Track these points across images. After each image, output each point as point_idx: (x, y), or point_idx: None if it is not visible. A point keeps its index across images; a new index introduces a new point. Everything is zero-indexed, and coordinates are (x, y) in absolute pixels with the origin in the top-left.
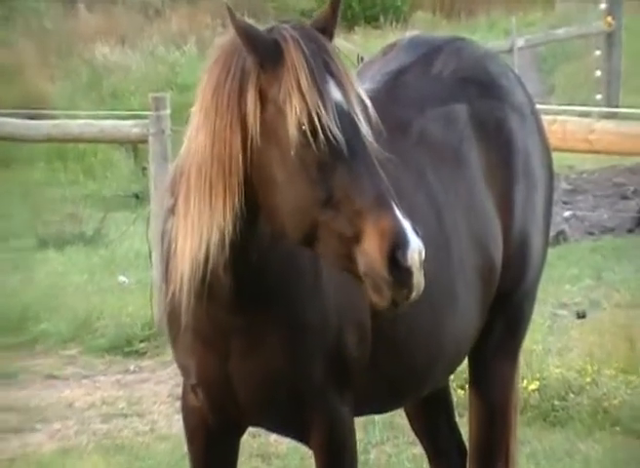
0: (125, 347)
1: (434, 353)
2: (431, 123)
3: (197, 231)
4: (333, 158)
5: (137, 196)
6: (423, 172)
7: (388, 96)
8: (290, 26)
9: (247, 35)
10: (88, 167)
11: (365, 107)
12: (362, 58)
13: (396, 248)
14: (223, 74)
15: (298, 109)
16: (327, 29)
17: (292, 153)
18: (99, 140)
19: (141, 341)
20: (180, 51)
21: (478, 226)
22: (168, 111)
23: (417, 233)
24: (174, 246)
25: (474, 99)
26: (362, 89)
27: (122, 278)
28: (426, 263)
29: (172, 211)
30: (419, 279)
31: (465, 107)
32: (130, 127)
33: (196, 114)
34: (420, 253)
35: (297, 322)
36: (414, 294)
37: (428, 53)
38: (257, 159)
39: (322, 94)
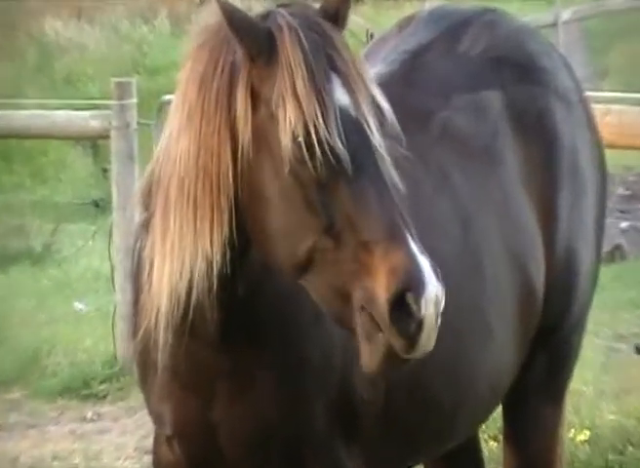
0: (81, 390)
1: (461, 396)
2: (457, 114)
3: (178, 258)
4: (334, 177)
5: (96, 204)
6: (448, 173)
7: (405, 80)
8: (288, 12)
9: (235, 21)
10: (36, 168)
11: (381, 113)
12: (372, 36)
13: (408, 289)
14: (211, 66)
15: (292, 118)
16: (337, 15)
17: (285, 169)
18: (49, 136)
19: (102, 382)
20: (149, 26)
21: (515, 241)
22: (134, 100)
23: (437, 275)
24: (147, 270)
25: (510, 85)
26: (378, 90)
27: (78, 304)
28: (452, 286)
29: (145, 227)
30: (430, 335)
31: (499, 94)
32: (87, 119)
33: (177, 110)
34: (437, 303)
35: (294, 361)
36: (417, 353)
37: (453, 27)
38: (248, 173)
39: (322, 98)
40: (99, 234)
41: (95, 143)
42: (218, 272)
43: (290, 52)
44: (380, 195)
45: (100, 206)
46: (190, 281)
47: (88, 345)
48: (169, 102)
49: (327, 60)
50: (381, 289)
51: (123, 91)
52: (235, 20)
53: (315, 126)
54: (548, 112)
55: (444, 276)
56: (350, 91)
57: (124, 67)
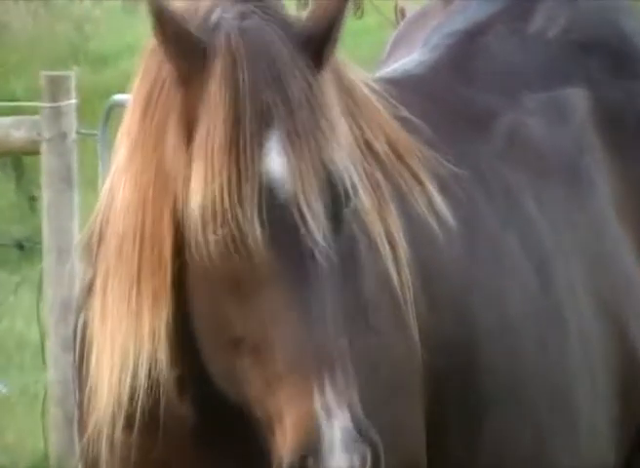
0: None
1: None
2: (529, 118)
3: (118, 347)
4: (248, 275)
5: (20, 246)
6: (517, 198)
7: (456, 71)
8: (245, 22)
9: (166, 29)
10: None
11: (335, 189)
12: (402, 11)
13: (309, 453)
14: (158, 85)
15: (201, 179)
16: (327, 31)
17: (191, 242)
18: None
19: None
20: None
21: (610, 292)
22: (73, 101)
23: (353, 440)
24: (94, 358)
25: (599, 79)
26: (343, 151)
27: None
28: (523, 358)
29: (88, 292)
30: None
31: (584, 92)
32: (8, 128)
33: (123, 138)
34: None
35: None
36: None
37: (521, 0)
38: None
39: (243, 163)
40: (23, 287)
41: (18, 161)
42: (167, 368)
43: (218, 89)
44: (300, 312)
45: (26, 248)
46: (134, 380)
47: (9, 441)
48: (120, 104)
49: (267, 108)
50: (283, 445)
51: (57, 88)
52: (166, 28)
53: (224, 199)
54: None
55: (511, 344)
56: (289, 157)
57: (59, 56)
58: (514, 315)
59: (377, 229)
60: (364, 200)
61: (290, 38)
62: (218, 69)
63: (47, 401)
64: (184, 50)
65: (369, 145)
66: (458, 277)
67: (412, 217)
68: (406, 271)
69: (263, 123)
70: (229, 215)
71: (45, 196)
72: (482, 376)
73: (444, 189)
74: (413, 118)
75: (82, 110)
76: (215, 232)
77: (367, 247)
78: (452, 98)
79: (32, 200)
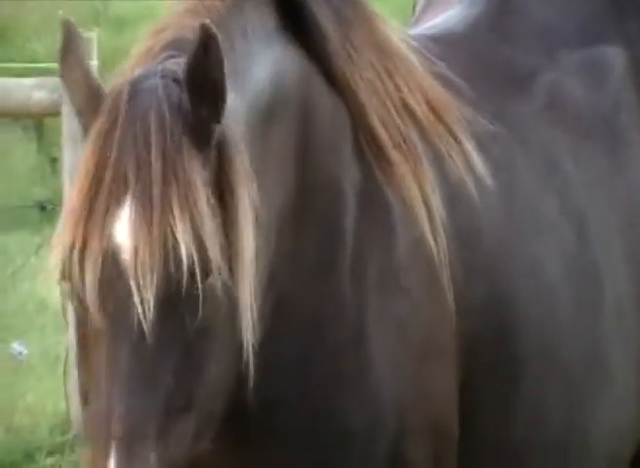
0: (23, 465)
1: (572, 462)
2: (567, 76)
3: None
4: (91, 334)
5: (42, 207)
6: (556, 158)
7: (493, 29)
8: (137, 85)
9: (65, 70)
10: None
11: (179, 263)
12: None
13: None
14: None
15: (61, 234)
16: (204, 87)
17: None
18: None
19: (50, 454)
20: None
21: None
22: (94, 62)
23: None
24: None
25: (637, 38)
26: (204, 228)
27: (17, 347)
28: (561, 318)
29: None
30: None
31: (623, 51)
32: (30, 89)
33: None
34: None
35: (330, 430)
36: None
37: None
38: None
39: (90, 230)
40: (45, 248)
41: (40, 123)
42: None
43: (89, 152)
44: (115, 380)
45: (48, 209)
46: None
47: (31, 402)
48: None
49: (124, 178)
50: None
51: None
52: (65, 70)
53: (71, 258)
54: None
55: (547, 307)
56: (134, 229)
57: (79, 17)
58: (551, 278)
59: (412, 192)
60: (398, 161)
61: (174, 109)
62: (94, 132)
63: (68, 363)
64: (87, 103)
65: (404, 104)
66: (494, 240)
67: (449, 178)
68: (441, 234)
69: (119, 192)
70: (74, 276)
71: (65, 158)
72: (517, 339)
73: (482, 148)
74: (452, 75)
75: (103, 72)
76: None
77: (402, 210)
78: (492, 57)
79: (53, 161)
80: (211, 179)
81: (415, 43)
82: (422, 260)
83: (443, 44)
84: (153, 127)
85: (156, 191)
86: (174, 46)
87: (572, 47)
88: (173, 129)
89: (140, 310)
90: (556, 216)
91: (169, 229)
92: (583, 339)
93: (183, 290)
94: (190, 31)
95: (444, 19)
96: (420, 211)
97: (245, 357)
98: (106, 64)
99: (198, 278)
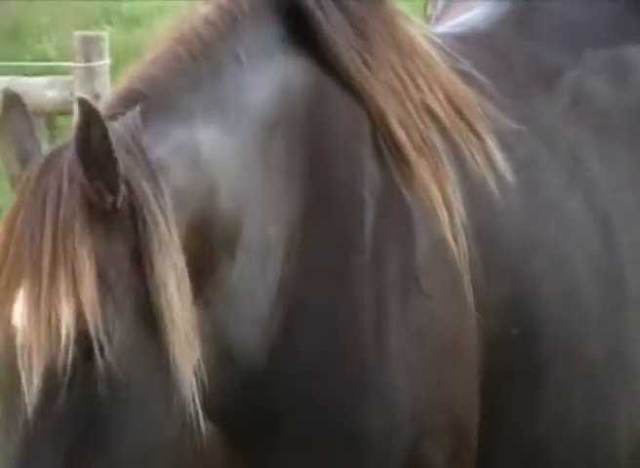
0: None
1: (596, 461)
2: (593, 75)
3: None
4: None
5: None
6: (582, 158)
7: (519, 25)
8: (49, 157)
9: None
10: None
11: (73, 339)
12: None
13: None
14: None
15: None
16: (95, 168)
17: None
18: None
19: None
20: None
21: None
22: (106, 61)
23: None
24: None
25: None
26: (88, 304)
27: None
28: (587, 319)
29: None
30: None
31: None
32: (41, 88)
33: None
34: None
35: (345, 431)
36: None
37: None
38: None
39: None
40: None
41: (51, 122)
42: None
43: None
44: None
45: None
46: None
47: None
48: None
49: (22, 257)
50: None
51: (90, 48)
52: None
53: None
54: None
55: (572, 306)
56: (24, 308)
57: (91, 15)
58: (576, 277)
59: (432, 193)
60: (418, 162)
61: (73, 184)
62: (8, 207)
63: None
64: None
65: (425, 103)
66: (517, 240)
67: (470, 178)
68: (462, 235)
69: (17, 273)
70: None
71: None
72: (540, 338)
73: (505, 146)
74: (476, 73)
75: (115, 71)
76: None
77: (421, 212)
78: (517, 55)
79: None
80: (124, 249)
81: (438, 40)
82: (443, 263)
83: (468, 42)
84: (50, 204)
85: (45, 270)
86: (125, 100)
87: (597, 45)
88: (68, 204)
89: (26, 393)
90: (581, 215)
91: (53, 308)
92: (608, 339)
93: (72, 369)
94: (149, 82)
95: (469, 17)
96: (440, 212)
97: (192, 410)
98: (118, 63)
99: (81, 358)
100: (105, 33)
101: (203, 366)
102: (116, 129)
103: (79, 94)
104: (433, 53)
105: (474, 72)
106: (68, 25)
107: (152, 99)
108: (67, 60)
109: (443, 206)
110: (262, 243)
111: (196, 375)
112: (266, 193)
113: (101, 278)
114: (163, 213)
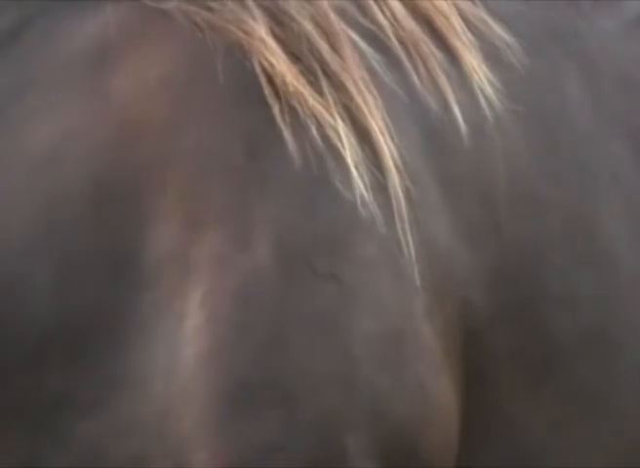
0: None
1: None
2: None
3: None
4: None
5: None
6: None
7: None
8: None
9: None
10: None
11: None
12: None
13: None
14: None
15: None
16: None
17: None
18: None
19: None
20: None
21: None
22: None
23: None
24: None
25: None
26: None
27: None
28: (621, 291)
29: None
30: None
31: None
32: None
33: None
34: None
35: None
36: None
37: None
38: None
39: None
40: None
41: None
42: None
43: None
44: None
45: None
46: None
47: None
48: None
49: None
50: None
51: None
52: None
53: None
54: None
55: (611, 274)
56: None
57: None
58: (611, 244)
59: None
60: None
61: None
62: None
63: None
64: None
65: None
66: (516, 192)
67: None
68: (402, 206)
69: None
70: None
71: None
72: (555, 316)
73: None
74: None
75: None
76: None
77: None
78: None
79: None
80: None
81: None
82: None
83: None
84: None
85: None
86: None
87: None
88: None
89: None
90: (624, 164)
91: None
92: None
93: None
94: None
95: None
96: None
97: None
98: None
99: None
100: None
101: None
102: None
103: None
104: None
105: None
106: None
107: None
108: None
109: (368, 146)
110: None
111: None
112: None
113: None
114: None
